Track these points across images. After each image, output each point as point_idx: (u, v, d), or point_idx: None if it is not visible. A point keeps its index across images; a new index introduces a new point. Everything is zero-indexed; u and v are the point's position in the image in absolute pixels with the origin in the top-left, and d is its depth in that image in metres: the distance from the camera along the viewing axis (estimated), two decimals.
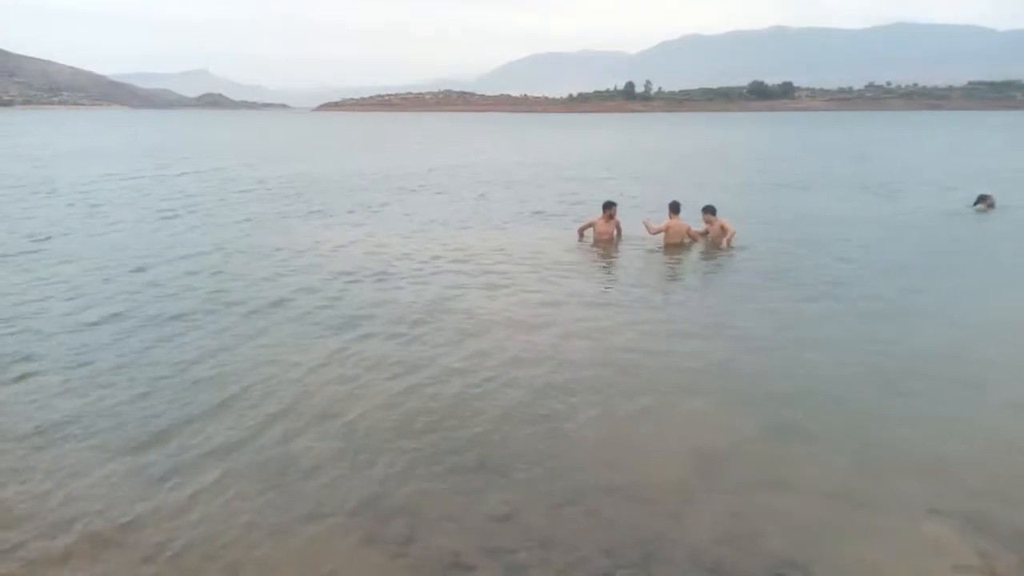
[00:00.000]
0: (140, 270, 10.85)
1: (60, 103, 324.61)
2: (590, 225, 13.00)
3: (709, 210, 13.09)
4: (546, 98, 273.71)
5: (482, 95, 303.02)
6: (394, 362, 7.10)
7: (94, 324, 8.17)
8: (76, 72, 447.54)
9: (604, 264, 11.75)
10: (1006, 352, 7.64)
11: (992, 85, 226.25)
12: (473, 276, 10.61)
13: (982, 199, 17.36)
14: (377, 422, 5.79)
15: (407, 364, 7.04)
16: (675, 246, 12.58)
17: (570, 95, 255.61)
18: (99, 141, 53.29)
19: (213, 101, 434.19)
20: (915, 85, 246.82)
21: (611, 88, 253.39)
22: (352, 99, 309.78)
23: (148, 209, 17.38)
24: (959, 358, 7.42)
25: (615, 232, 13.00)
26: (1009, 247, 13.38)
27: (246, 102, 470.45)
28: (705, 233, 12.99)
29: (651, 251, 12.34)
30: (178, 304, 9.03)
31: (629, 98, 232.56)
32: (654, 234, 12.72)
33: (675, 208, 12.86)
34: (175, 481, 4.89)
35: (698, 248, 12.56)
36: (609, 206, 12.89)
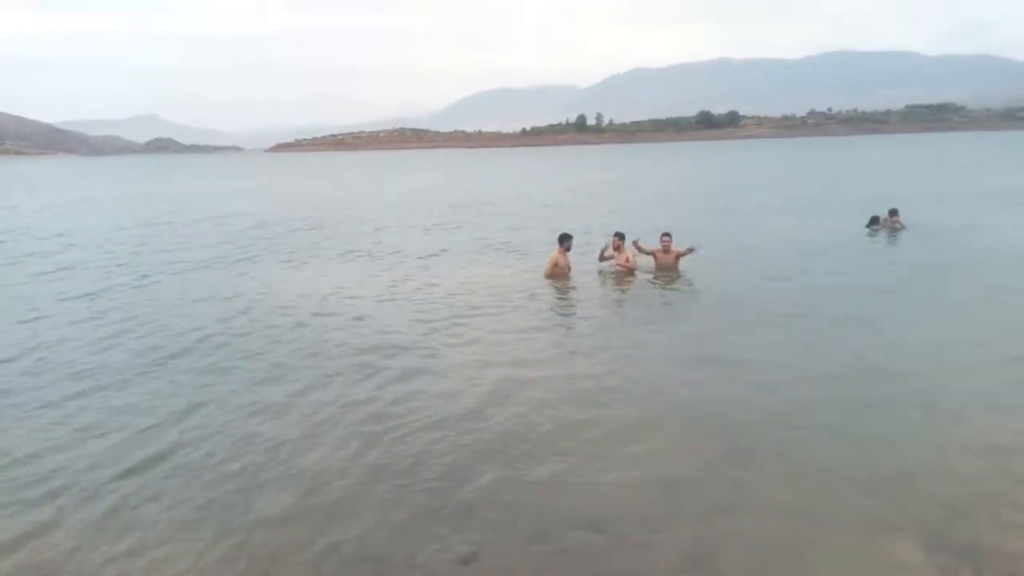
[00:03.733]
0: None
1: (3, 152, 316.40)
2: (555, 263, 13.00)
3: (667, 236, 13.31)
4: (500, 133, 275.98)
5: (436, 132, 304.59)
6: (354, 406, 7.02)
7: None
8: (19, 120, 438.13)
9: (561, 298, 11.79)
10: (958, 368, 7.87)
11: (928, 108, 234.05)
12: (444, 315, 10.59)
13: (880, 219, 17.51)
14: (338, 467, 5.70)
15: (367, 408, 6.97)
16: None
17: (523, 129, 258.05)
18: (78, 193, 51.95)
19: (162, 146, 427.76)
20: (855, 110, 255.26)
21: (563, 121, 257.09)
22: (305, 139, 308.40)
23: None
24: (912, 376, 7.62)
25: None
26: (961, 264, 13.88)
27: (196, 146, 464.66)
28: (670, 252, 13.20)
29: (605, 282, 12.53)
30: (151, 352, 8.84)
31: (581, 130, 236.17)
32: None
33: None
34: (127, 530, 4.73)
35: (659, 277, 12.66)
36: (565, 239, 13.02)
